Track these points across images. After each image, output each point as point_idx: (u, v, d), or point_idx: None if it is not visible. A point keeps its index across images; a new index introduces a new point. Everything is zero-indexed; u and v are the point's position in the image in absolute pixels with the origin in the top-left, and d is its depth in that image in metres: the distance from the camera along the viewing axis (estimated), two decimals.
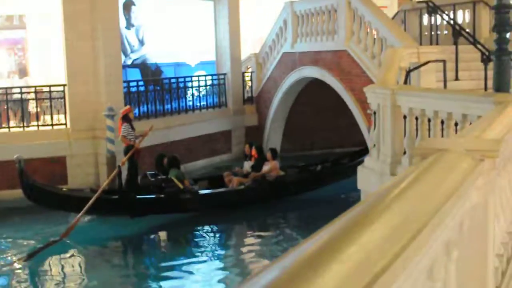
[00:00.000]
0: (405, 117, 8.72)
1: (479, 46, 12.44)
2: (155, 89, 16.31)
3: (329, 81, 14.61)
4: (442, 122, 7.87)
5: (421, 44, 15.06)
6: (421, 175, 2.46)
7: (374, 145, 9.44)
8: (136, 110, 15.71)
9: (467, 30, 14.33)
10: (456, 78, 12.36)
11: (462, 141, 3.44)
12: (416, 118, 8.44)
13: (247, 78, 19.84)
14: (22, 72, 18.66)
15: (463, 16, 15.07)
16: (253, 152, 14.03)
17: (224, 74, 18.67)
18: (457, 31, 12.95)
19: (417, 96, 8.37)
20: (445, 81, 10.95)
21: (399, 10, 17.13)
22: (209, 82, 18.27)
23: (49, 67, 17.11)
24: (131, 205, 12.52)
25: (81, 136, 14.75)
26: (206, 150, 17.57)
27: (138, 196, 12.62)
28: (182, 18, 17.54)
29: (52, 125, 15.02)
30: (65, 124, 15.03)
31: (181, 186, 12.75)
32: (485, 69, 11.65)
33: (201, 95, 18.00)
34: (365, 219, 1.78)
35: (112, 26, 14.87)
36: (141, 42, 16.48)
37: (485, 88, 11.45)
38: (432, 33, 14.63)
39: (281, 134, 18.56)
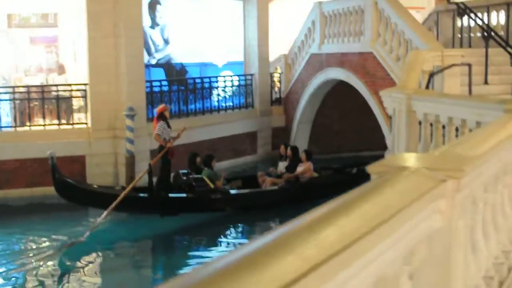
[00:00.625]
0: (420, 122, 8.29)
1: (509, 49, 11.88)
2: (178, 89, 16.10)
3: (354, 83, 14.20)
4: (457, 129, 7.44)
5: (453, 46, 14.55)
6: (366, 194, 2.21)
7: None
8: None
9: (501, 33, 13.75)
10: (485, 82, 11.85)
11: (425, 158, 3.06)
12: (431, 124, 8.01)
13: (276, 79, 19.51)
14: (60, 70, 18.65)
15: (497, 18, 14.45)
16: (289, 152, 13.78)
17: (252, 74, 18.36)
18: (487, 33, 12.39)
19: (432, 102, 7.92)
20: (470, 85, 10.45)
21: (431, 12, 16.56)
22: (235, 83, 17.98)
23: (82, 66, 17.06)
24: (161, 203, 12.44)
25: (101, 135, 14.63)
26: (231, 151, 17.30)
27: (169, 195, 12.56)
28: (209, 18, 17.31)
29: (72, 123, 14.93)
30: (86, 123, 14.92)
31: (212, 186, 12.61)
32: None
33: (227, 96, 17.72)
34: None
35: (135, 25, 14.71)
36: (166, 42, 16.30)
37: None
38: (465, 35, 14.08)
39: (308, 136, 18.17)
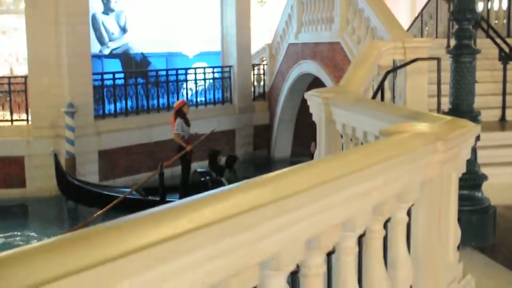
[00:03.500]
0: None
1: (498, 40, 9.74)
2: (136, 82, 14.33)
3: (324, 79, 12.20)
4: None
5: (450, 37, 12.42)
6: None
7: None
8: (111, 106, 13.84)
9: (495, 22, 11.60)
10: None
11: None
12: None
13: (261, 71, 17.57)
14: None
15: (499, 4, 12.26)
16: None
17: (230, 66, 16.47)
18: (475, 21, 10.26)
19: (346, 110, 5.97)
20: (439, 84, 8.37)
21: None
22: (210, 76, 16.11)
23: None
24: None
25: (42, 134, 13.01)
26: (202, 153, 15.47)
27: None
28: (178, 2, 15.47)
29: (11, 120, 13.34)
30: (27, 120, 13.30)
31: None
32: (504, 69, 9.08)
33: (199, 90, 15.88)
34: None
35: (80, 10, 13.00)
36: (123, 29, 14.54)
37: (503, 93, 8.89)
38: None
39: (291, 136, 16.22)
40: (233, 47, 16.41)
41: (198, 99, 15.74)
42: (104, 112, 13.69)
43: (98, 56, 13.85)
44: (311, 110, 7.24)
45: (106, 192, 11.91)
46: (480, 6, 12.63)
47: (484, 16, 11.69)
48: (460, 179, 5.14)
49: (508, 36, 11.31)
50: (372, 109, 5.36)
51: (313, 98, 6.89)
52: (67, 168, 12.51)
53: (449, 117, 4.26)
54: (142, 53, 14.92)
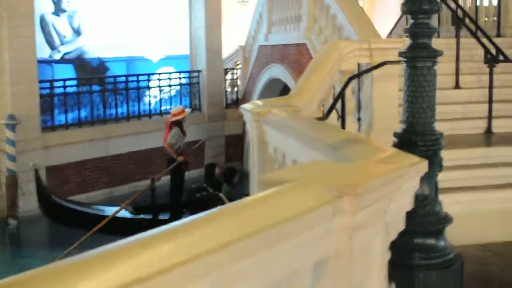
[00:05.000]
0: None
1: (484, 39, 8.44)
2: (91, 90, 13.02)
3: (291, 85, 10.91)
4: None
5: (438, 37, 11.15)
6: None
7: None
8: (62, 117, 12.54)
9: (485, 19, 10.31)
10: (457, 86, 8.49)
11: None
12: None
13: (235, 76, 16.27)
14: None
15: (489, 0, 10.97)
16: None
17: (199, 71, 15.16)
18: (458, 18, 8.99)
19: (277, 130, 4.69)
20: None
21: None
22: (176, 82, 14.80)
23: None
24: None
25: None
26: (166, 165, 14.15)
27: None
28: (140, 2, 14.18)
29: None
30: None
31: None
32: (490, 73, 7.81)
33: (164, 98, 14.57)
34: None
35: (24, 12, 11.69)
36: (77, 32, 13.23)
37: (489, 100, 7.62)
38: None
39: None
40: (202, 50, 15.11)
41: (163, 107, 14.42)
42: (54, 124, 12.39)
43: (48, 62, 12.56)
44: (247, 127, 6.01)
45: (92, 211, 10.99)
46: (468, 2, 11.40)
47: (468, 13, 10.43)
48: (415, 223, 3.79)
49: (498, 35, 10.03)
50: (306, 131, 4.08)
51: (245, 113, 5.61)
52: (7, 187, 11.24)
53: (391, 150, 3.04)
54: (99, 58, 13.61)
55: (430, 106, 3.99)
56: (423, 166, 2.77)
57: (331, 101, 6.86)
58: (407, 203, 2.68)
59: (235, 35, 17.72)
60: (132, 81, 13.75)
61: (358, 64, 7.16)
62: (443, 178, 6.45)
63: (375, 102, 7.06)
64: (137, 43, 14.15)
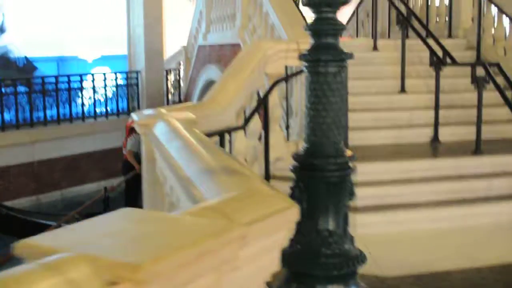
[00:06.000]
0: None
1: (430, 40, 7.80)
2: (16, 92, 12.06)
3: None
4: None
5: (389, 37, 10.53)
6: None
7: None
8: None
9: (445, 19, 9.68)
10: (402, 90, 7.85)
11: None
12: None
13: (178, 77, 15.43)
14: None
15: None
16: None
17: (137, 71, 14.28)
18: (403, 17, 8.35)
19: (159, 148, 3.94)
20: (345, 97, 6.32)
21: None
22: (112, 83, 13.91)
23: None
24: None
25: None
26: (99, 172, 13.27)
27: None
28: None
29: None
30: None
31: None
32: (437, 77, 7.21)
33: (99, 100, 13.67)
34: None
35: None
36: (0, 29, 12.25)
37: (436, 106, 7.00)
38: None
39: None
40: (141, 49, 14.25)
41: (98, 110, 13.52)
42: None
43: None
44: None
45: (35, 220, 10.25)
46: (419, 1, 10.78)
47: (418, 12, 9.82)
48: (318, 266, 3.14)
49: (450, 36, 9.43)
50: (177, 153, 3.34)
51: (135, 124, 4.85)
52: None
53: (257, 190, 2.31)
54: (25, 57, 12.65)
55: (337, 122, 3.25)
56: (292, 214, 2.04)
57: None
58: (267, 267, 1.94)
59: (182, 33, 16.87)
60: (63, 82, 12.81)
61: (286, 67, 6.44)
62: (380, 194, 5.78)
63: (304, 109, 6.32)
64: (70, 42, 13.22)
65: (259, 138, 6.15)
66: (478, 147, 6.18)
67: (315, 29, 3.27)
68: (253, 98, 6.26)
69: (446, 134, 7.00)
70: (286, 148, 6.02)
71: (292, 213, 2.07)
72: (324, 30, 3.25)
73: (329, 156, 3.19)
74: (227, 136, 5.53)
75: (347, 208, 3.28)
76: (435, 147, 6.83)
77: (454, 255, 4.80)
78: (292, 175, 5.35)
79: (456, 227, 5.38)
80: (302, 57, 3.28)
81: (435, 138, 6.96)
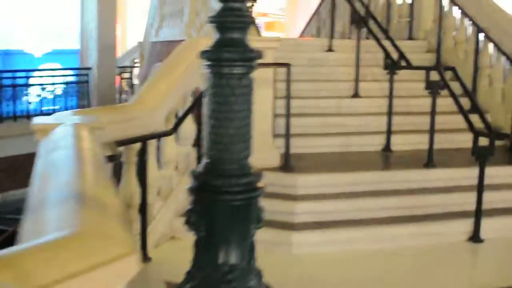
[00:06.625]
0: None
1: (386, 42, 7.28)
2: None
3: None
4: None
5: (349, 38, 10.00)
6: None
7: None
8: None
9: (407, 19, 9.18)
10: (356, 94, 7.36)
11: None
12: None
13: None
14: None
15: None
16: None
17: (88, 68, 13.61)
18: (358, 17, 7.87)
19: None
20: (288, 102, 5.84)
21: None
22: (61, 79, 13.22)
23: None
24: None
25: None
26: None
27: None
28: None
29: None
30: None
31: None
32: (390, 81, 6.72)
33: (46, 97, 12.97)
34: None
35: None
36: None
37: (389, 112, 6.54)
38: None
39: None
40: (94, 45, 13.58)
41: (45, 108, 12.81)
42: None
43: None
44: None
45: None
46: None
47: (374, 11, 9.30)
48: None
49: (410, 37, 8.96)
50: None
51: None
52: None
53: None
54: None
55: (242, 133, 2.69)
56: (118, 268, 1.48)
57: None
58: None
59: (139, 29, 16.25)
60: (5, 78, 12.08)
61: None
62: (321, 210, 5.23)
63: None
64: (14, 34, 12.51)
65: (194, 144, 5.59)
66: (430, 159, 5.68)
67: (218, 22, 2.71)
68: (187, 99, 5.69)
69: (399, 143, 6.52)
70: None
71: (128, 264, 1.52)
72: (229, 23, 2.69)
73: (231, 176, 2.64)
74: (154, 142, 4.98)
75: (253, 237, 2.73)
76: (385, 157, 6.34)
77: (400, 280, 4.29)
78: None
79: (403, 247, 4.87)
80: (202, 54, 2.71)
81: (387, 147, 6.46)
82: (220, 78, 2.63)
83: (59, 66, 13.34)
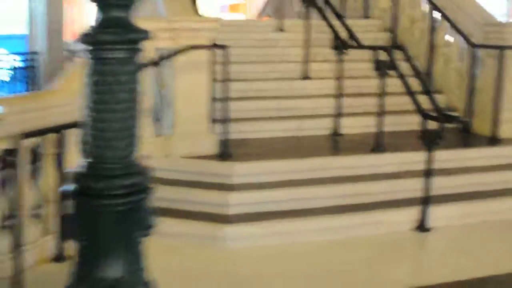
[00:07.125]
0: None
1: (336, 21, 6.90)
2: None
3: None
4: None
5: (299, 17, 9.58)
6: None
7: None
8: None
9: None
10: (306, 76, 6.96)
11: None
12: None
13: None
14: None
15: None
16: None
17: (35, 53, 13.06)
18: None
19: None
20: (227, 83, 5.43)
21: None
22: (8, 64, 12.70)
23: None
24: None
25: None
26: None
27: None
28: None
29: None
30: None
31: None
32: (339, 62, 6.37)
33: None
34: None
35: None
36: None
37: (339, 94, 6.16)
38: None
39: None
40: (43, 29, 13.00)
41: None
42: None
43: None
44: None
45: None
46: None
47: None
48: None
49: (366, 16, 8.63)
50: None
51: None
52: None
53: None
54: None
55: (126, 127, 2.28)
56: None
57: None
58: None
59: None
60: None
61: (157, 50, 5.41)
62: (261, 200, 4.86)
63: (178, 98, 5.37)
64: None
65: None
66: (380, 144, 5.35)
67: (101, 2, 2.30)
68: None
69: (349, 126, 6.17)
70: (154, 144, 5.04)
71: None
72: (110, 0, 2.28)
73: (114, 176, 2.23)
74: (75, 132, 4.54)
75: (141, 246, 2.34)
76: (334, 142, 5.99)
77: (345, 274, 3.95)
78: (163, 175, 4.37)
79: (349, 238, 4.52)
80: (82, 38, 2.29)
81: (336, 131, 6.12)
82: (103, 65, 2.22)
83: (6, 52, 12.77)
